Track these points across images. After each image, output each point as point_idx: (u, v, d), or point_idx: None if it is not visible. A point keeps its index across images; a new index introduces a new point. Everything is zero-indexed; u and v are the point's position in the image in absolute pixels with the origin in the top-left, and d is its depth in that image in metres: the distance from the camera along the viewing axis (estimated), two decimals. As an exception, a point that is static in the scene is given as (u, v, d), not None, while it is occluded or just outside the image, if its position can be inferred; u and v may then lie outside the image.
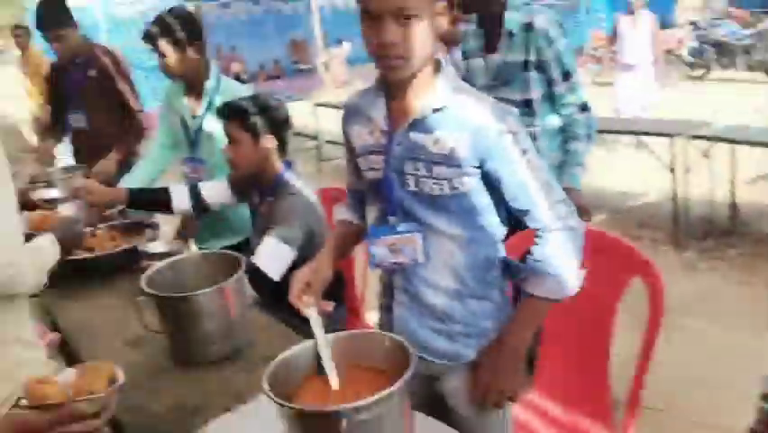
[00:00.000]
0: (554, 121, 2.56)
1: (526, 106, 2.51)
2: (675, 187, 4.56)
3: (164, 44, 2.53)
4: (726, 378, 2.83)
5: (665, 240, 4.60)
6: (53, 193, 3.05)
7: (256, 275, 1.97)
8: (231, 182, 2.39)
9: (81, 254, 2.30)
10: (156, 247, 2.27)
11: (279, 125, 2.22)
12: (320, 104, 7.94)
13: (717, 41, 11.80)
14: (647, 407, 1.86)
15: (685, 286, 3.82)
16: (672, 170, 4.53)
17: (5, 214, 1.41)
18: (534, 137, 2.49)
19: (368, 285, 2.62)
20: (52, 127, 3.97)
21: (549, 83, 2.50)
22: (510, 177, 1.36)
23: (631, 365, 1.74)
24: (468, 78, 2.66)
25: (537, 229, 1.40)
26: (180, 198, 2.38)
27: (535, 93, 2.51)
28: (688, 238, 4.53)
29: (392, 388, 1.08)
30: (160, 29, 2.53)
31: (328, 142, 7.87)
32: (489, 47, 2.56)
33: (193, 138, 2.70)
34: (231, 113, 2.19)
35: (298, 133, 8.56)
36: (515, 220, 1.45)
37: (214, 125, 2.50)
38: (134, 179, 2.79)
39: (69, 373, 1.25)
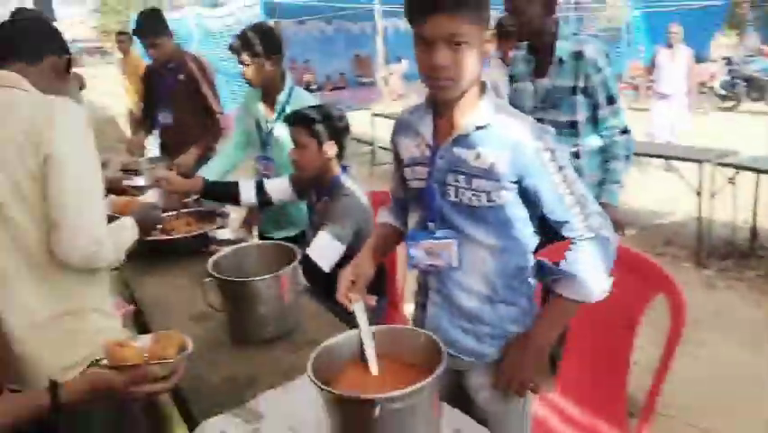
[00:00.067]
0: (596, 142, 2.50)
1: (572, 127, 2.47)
2: (700, 209, 4.43)
3: (245, 56, 2.55)
4: (736, 390, 2.73)
5: (688, 257, 4.47)
6: (140, 181, 3.13)
7: (309, 266, 1.97)
8: (292, 181, 2.39)
9: (160, 236, 2.35)
10: (224, 234, 2.30)
11: (340, 133, 2.21)
12: (377, 114, 7.95)
13: (748, 76, 11.37)
14: (661, 413, 1.78)
15: (704, 302, 3.69)
16: (699, 194, 4.40)
17: (94, 199, 1.44)
18: (577, 156, 2.48)
19: (407, 281, 2.59)
20: (143, 122, 4.06)
21: (594, 107, 2.45)
22: (548, 191, 1.32)
23: (648, 375, 1.67)
24: (514, 98, 2.62)
25: (572, 238, 1.36)
26: (248, 192, 2.39)
27: (581, 115, 2.46)
28: (709, 257, 4.40)
29: (425, 381, 1.06)
30: (243, 43, 2.55)
31: (381, 147, 7.92)
32: (539, 72, 2.52)
33: (265, 139, 2.72)
34: (298, 120, 2.18)
35: (357, 139, 8.61)
36: (552, 231, 1.41)
37: (283, 131, 2.50)
38: (210, 173, 2.83)
39: (145, 339, 1.27)
